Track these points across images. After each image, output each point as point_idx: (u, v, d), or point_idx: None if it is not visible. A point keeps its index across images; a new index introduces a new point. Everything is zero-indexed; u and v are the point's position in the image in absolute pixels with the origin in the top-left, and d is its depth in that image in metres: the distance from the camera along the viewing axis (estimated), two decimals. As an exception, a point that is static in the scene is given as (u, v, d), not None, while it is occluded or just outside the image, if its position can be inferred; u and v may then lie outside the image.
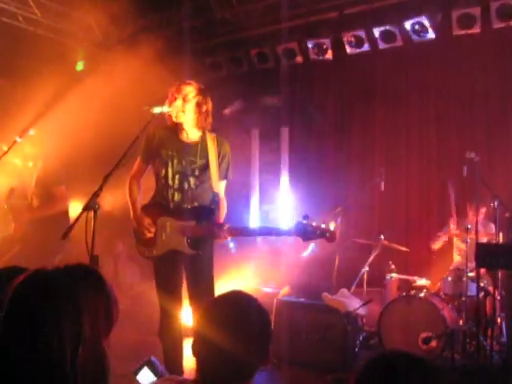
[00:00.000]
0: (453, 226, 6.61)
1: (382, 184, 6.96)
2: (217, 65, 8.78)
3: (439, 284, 6.35)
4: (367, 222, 7.89)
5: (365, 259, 6.79)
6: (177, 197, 4.14)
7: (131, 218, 4.20)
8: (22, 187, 5.62)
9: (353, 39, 7.67)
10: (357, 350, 5.84)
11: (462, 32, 6.99)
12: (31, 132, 5.50)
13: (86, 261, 3.13)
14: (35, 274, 1.56)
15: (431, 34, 7.18)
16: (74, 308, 1.48)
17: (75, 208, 5.60)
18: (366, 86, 8.17)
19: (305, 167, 8.52)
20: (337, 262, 6.93)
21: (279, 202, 8.74)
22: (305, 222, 3.77)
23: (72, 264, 1.63)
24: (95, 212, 3.21)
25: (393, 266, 6.71)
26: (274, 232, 4.28)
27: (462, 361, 5.47)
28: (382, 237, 6.69)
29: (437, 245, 6.88)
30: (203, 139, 4.22)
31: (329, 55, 8.02)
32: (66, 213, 5.57)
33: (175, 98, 4.10)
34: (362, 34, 7.57)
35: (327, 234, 3.77)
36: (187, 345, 4.33)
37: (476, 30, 6.90)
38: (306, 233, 3.78)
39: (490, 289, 5.89)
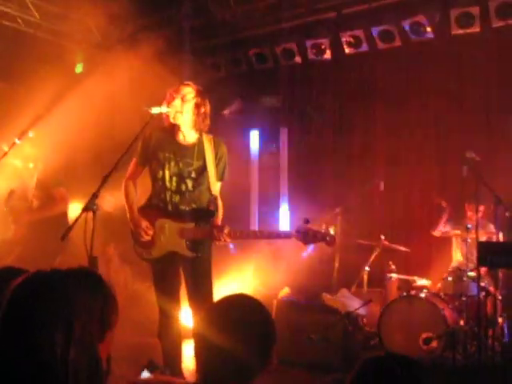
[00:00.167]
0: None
1: (382, 184, 6.95)
2: (216, 65, 8.78)
3: (440, 284, 6.33)
4: (367, 223, 7.87)
5: (365, 259, 6.78)
6: (175, 199, 4.13)
7: (128, 220, 4.19)
8: (22, 189, 5.62)
9: (351, 39, 7.67)
10: (357, 350, 5.83)
11: (461, 31, 6.98)
12: (30, 134, 5.50)
13: (85, 262, 3.12)
14: (32, 276, 1.56)
15: (430, 34, 7.17)
16: (66, 309, 1.48)
17: (75, 209, 5.60)
18: (365, 86, 8.17)
19: (304, 167, 8.52)
20: (337, 262, 6.92)
21: (279, 203, 8.73)
22: (305, 225, 3.80)
23: (70, 266, 1.63)
24: (94, 213, 3.21)
25: (393, 266, 6.69)
26: (274, 235, 4.28)
27: (463, 361, 5.45)
28: (383, 237, 6.68)
29: (437, 231, 6.87)
30: (200, 141, 4.21)
31: (327, 55, 8.01)
32: (65, 214, 5.56)
33: (173, 98, 4.09)
34: (360, 34, 7.56)
35: (327, 238, 3.82)
36: (187, 346, 4.35)
37: (475, 29, 6.89)
38: (306, 237, 3.81)
39: (491, 289, 5.88)
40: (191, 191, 4.14)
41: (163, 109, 4.02)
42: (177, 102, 4.08)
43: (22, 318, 1.47)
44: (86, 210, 3.22)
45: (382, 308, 5.89)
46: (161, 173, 4.16)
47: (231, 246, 7.62)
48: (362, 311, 5.94)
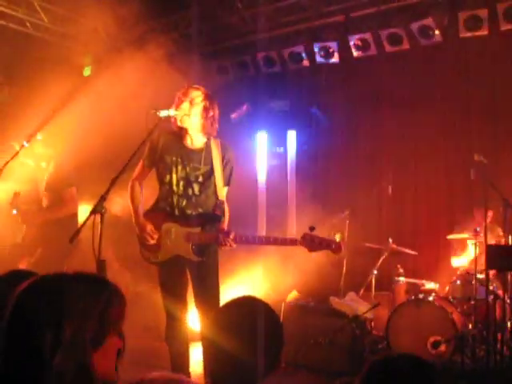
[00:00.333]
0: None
1: (390, 188, 6.94)
2: (223, 69, 8.80)
3: (448, 288, 6.31)
4: (375, 226, 7.86)
5: (373, 263, 6.76)
6: (181, 203, 4.14)
7: (134, 224, 4.19)
8: (34, 188, 5.63)
9: (359, 42, 7.66)
10: (365, 354, 5.81)
11: (469, 34, 6.96)
12: (39, 137, 5.51)
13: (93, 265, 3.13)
14: (31, 281, 1.57)
15: (438, 37, 7.15)
16: (56, 313, 1.48)
17: (83, 211, 5.60)
18: (373, 89, 8.15)
19: (312, 171, 8.51)
20: (345, 265, 6.91)
21: (286, 206, 8.71)
22: (311, 232, 3.80)
23: (76, 269, 1.63)
24: (102, 216, 3.21)
25: (401, 270, 6.67)
26: (279, 241, 4.27)
27: (472, 365, 5.43)
28: (391, 240, 6.66)
29: (456, 260, 6.81)
30: (207, 145, 4.21)
31: (335, 58, 8.01)
32: (74, 215, 5.56)
33: (182, 102, 4.10)
34: (368, 37, 7.55)
35: (333, 246, 3.83)
36: (194, 349, 4.35)
37: (483, 32, 6.87)
38: (311, 244, 3.81)
39: (500, 292, 5.84)
40: (198, 195, 4.15)
41: (171, 112, 4.02)
42: (185, 105, 4.08)
43: (19, 322, 1.49)
44: (93, 212, 3.22)
45: (390, 312, 5.87)
46: (168, 177, 4.17)
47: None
48: (369, 315, 5.92)
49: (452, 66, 7.59)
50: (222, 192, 4.21)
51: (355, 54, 7.79)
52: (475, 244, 5.92)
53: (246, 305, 2.11)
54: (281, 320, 2.21)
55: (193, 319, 4.70)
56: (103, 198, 3.28)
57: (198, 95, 4.13)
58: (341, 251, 3.85)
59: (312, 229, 3.81)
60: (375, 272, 6.68)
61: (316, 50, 8.02)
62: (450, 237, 6.71)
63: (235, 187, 4.36)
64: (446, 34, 7.16)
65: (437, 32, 7.09)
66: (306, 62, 8.25)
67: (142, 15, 7.35)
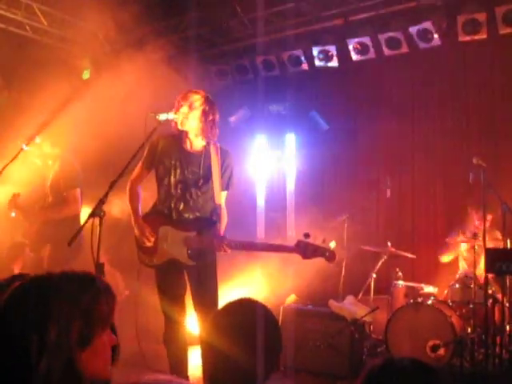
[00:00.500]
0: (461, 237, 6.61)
1: (388, 191, 6.93)
2: (223, 72, 8.80)
3: (447, 291, 6.30)
4: (374, 230, 7.86)
5: (372, 266, 6.76)
6: (179, 206, 4.14)
7: (133, 225, 4.19)
8: (41, 184, 5.63)
9: (358, 46, 7.67)
10: (364, 357, 5.81)
11: (468, 38, 6.98)
12: (37, 140, 5.51)
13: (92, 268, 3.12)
14: (20, 284, 1.57)
15: (437, 41, 7.16)
16: (41, 315, 1.48)
17: (83, 214, 5.60)
18: (372, 93, 8.17)
19: (311, 174, 8.51)
20: (343, 269, 6.90)
21: (285, 209, 8.72)
22: (305, 240, 3.79)
23: (64, 271, 1.63)
24: (101, 219, 3.21)
25: (400, 274, 6.66)
26: (274, 248, 4.27)
27: (471, 369, 5.42)
28: (389, 244, 6.65)
29: (445, 257, 6.82)
30: (207, 150, 4.21)
31: (334, 62, 8.02)
32: (76, 217, 5.54)
33: (181, 105, 4.10)
34: (367, 40, 7.57)
35: (326, 254, 3.80)
36: (193, 352, 4.34)
37: (482, 35, 6.88)
38: (305, 251, 3.80)
39: (499, 296, 5.83)
40: (195, 199, 4.15)
41: (170, 115, 4.02)
42: (184, 109, 4.09)
43: (6, 326, 1.49)
44: (92, 215, 3.22)
45: (389, 315, 5.87)
46: (166, 179, 4.17)
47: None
48: (368, 318, 5.92)
49: (451, 69, 7.60)
50: (220, 197, 4.20)
51: (354, 57, 7.80)
52: (474, 248, 5.92)
53: (245, 307, 2.10)
54: (279, 323, 2.20)
55: (191, 322, 4.70)
56: (102, 202, 3.28)
57: (197, 99, 4.13)
58: (335, 259, 3.83)
59: (307, 236, 3.79)
60: (374, 276, 6.68)
61: (315, 53, 8.03)
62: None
63: (233, 193, 4.36)
64: (444, 37, 7.18)
65: (435, 36, 7.11)
66: (305, 66, 8.26)
67: (140, 19, 7.35)
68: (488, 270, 5.19)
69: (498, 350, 5.37)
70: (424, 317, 5.58)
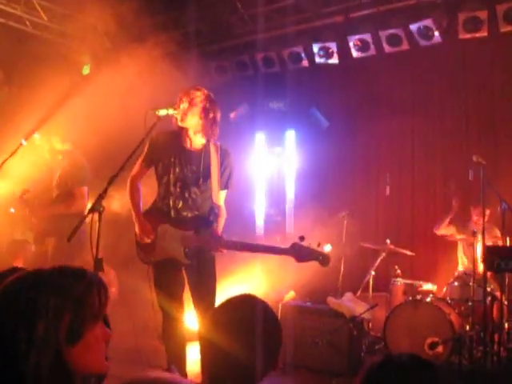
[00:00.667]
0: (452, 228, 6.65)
1: (388, 188, 6.93)
2: (222, 68, 8.79)
3: (445, 289, 6.31)
4: (373, 227, 7.87)
5: (370, 263, 6.76)
6: (177, 204, 4.13)
7: (134, 222, 4.18)
8: (49, 178, 5.64)
9: (359, 43, 7.66)
10: (362, 354, 5.82)
11: (469, 35, 6.96)
12: (36, 135, 5.50)
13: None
14: (12, 278, 1.57)
15: (437, 38, 7.15)
16: (30, 312, 1.47)
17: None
18: (372, 90, 8.15)
19: (310, 171, 8.51)
20: (342, 266, 6.90)
21: (285, 206, 8.72)
22: (300, 243, 3.79)
23: (54, 266, 1.62)
24: (100, 214, 3.21)
25: (398, 271, 6.66)
26: (269, 250, 4.27)
27: (469, 366, 5.43)
28: (388, 241, 6.65)
29: (441, 230, 6.84)
30: (206, 148, 4.19)
31: (335, 59, 8.01)
32: (81, 213, 5.54)
33: (182, 102, 4.09)
34: (367, 37, 7.55)
35: (320, 258, 3.80)
36: (191, 349, 4.34)
37: (483, 33, 6.87)
38: (300, 255, 3.80)
39: (498, 294, 5.85)
40: (194, 198, 4.14)
41: (170, 111, 4.01)
42: (184, 105, 4.07)
43: None
44: (92, 211, 3.22)
45: (388, 312, 5.87)
46: (166, 177, 4.16)
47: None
48: (367, 315, 5.92)
49: (451, 66, 7.59)
50: (219, 196, 4.20)
51: (355, 54, 7.79)
52: (473, 245, 5.93)
53: (245, 303, 2.09)
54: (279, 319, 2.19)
55: (189, 318, 4.70)
56: (101, 197, 3.27)
57: (198, 95, 4.11)
58: (329, 263, 3.82)
59: (302, 238, 3.79)
60: (373, 273, 6.68)
61: (315, 50, 8.01)
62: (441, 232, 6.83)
63: (232, 192, 4.35)
64: (445, 35, 7.16)
65: (436, 33, 7.10)
66: (305, 63, 8.25)
67: (140, 14, 7.34)
68: (488, 267, 5.19)
69: (496, 347, 5.38)
70: (423, 314, 5.58)
